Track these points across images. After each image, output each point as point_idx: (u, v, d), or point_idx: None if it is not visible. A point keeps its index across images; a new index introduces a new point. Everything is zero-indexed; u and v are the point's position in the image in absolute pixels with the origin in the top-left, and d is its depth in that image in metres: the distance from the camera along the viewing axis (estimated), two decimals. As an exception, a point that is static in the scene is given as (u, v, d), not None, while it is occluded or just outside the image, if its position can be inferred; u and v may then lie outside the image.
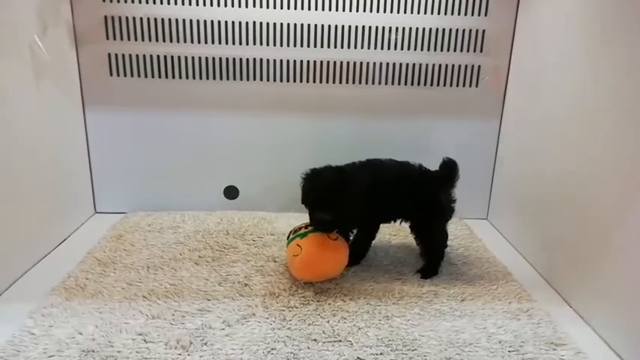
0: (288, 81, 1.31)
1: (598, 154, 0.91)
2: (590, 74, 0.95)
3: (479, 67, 1.32)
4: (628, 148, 0.83)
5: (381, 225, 1.16)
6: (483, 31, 1.29)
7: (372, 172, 1.01)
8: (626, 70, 0.84)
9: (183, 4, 1.23)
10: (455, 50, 1.31)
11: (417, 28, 1.28)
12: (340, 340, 0.82)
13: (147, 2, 1.22)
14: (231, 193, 1.42)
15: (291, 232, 1.06)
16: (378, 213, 1.05)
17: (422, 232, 1.08)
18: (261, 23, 1.26)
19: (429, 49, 1.31)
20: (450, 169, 1.04)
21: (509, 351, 0.80)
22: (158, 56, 1.27)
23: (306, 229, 1.01)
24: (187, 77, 1.29)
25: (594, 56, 0.94)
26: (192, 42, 1.26)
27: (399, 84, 1.33)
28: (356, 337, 0.82)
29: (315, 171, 0.99)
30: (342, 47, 1.29)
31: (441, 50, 1.31)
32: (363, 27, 1.27)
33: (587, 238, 0.94)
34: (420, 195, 1.03)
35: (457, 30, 1.29)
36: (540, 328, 0.87)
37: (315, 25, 1.27)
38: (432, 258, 1.08)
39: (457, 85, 1.34)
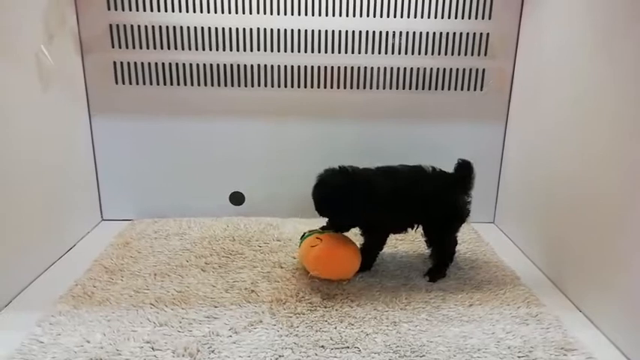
0: (293, 87, 1.32)
1: (604, 155, 0.90)
2: (594, 77, 0.95)
3: (483, 70, 1.32)
4: (634, 149, 0.82)
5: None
6: (487, 34, 1.29)
7: (390, 178, 1.01)
8: (630, 73, 0.84)
9: (187, 11, 1.23)
10: (459, 54, 1.31)
11: (421, 33, 1.28)
12: (348, 347, 0.81)
13: (151, 10, 1.23)
14: (236, 199, 1.42)
15: (306, 232, 1.08)
16: (398, 219, 1.05)
17: (436, 235, 1.07)
18: (265, 30, 1.26)
19: (432, 54, 1.30)
20: (465, 170, 1.04)
21: (518, 356, 0.80)
22: (163, 64, 1.28)
23: (323, 231, 1.05)
24: (192, 84, 1.30)
25: (598, 59, 0.94)
26: (197, 49, 1.27)
27: (403, 88, 1.33)
28: (364, 344, 0.82)
29: (318, 177, 1.00)
30: (345, 52, 1.29)
31: (445, 54, 1.31)
32: (367, 32, 1.27)
33: (595, 240, 0.93)
34: (438, 198, 1.03)
35: (461, 34, 1.29)
36: (550, 333, 0.86)
37: (319, 31, 1.27)
38: (442, 261, 1.07)
39: (462, 89, 1.34)
